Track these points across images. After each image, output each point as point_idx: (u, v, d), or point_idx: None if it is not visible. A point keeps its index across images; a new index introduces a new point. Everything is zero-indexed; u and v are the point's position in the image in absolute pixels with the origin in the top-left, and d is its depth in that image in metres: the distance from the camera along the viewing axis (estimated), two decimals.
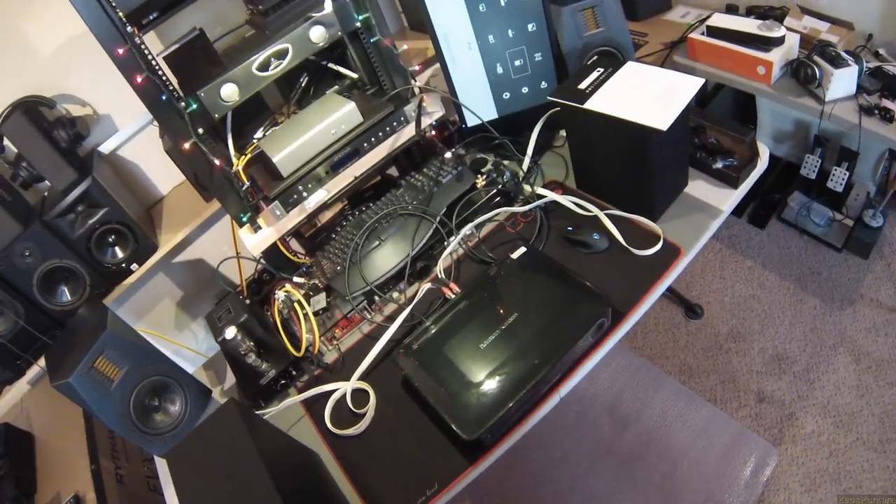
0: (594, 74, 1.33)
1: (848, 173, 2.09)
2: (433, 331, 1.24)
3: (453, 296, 1.34)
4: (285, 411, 1.37)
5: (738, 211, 2.61)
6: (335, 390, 1.33)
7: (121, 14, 1.16)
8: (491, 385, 1.10)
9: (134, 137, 1.97)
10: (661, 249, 1.30)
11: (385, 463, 1.19)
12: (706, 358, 2.24)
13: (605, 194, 1.46)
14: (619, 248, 1.34)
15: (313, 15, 1.37)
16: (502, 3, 1.48)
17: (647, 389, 2.20)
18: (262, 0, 1.37)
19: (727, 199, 1.38)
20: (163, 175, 2.09)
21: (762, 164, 1.42)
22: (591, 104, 1.25)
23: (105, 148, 1.93)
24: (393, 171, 1.78)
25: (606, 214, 1.39)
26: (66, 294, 1.72)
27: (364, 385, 1.31)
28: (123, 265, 1.79)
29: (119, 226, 1.75)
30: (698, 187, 1.42)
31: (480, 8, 1.48)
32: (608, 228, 1.37)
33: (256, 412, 1.38)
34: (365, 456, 1.22)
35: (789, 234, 2.49)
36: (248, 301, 1.57)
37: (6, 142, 1.68)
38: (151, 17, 1.31)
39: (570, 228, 1.41)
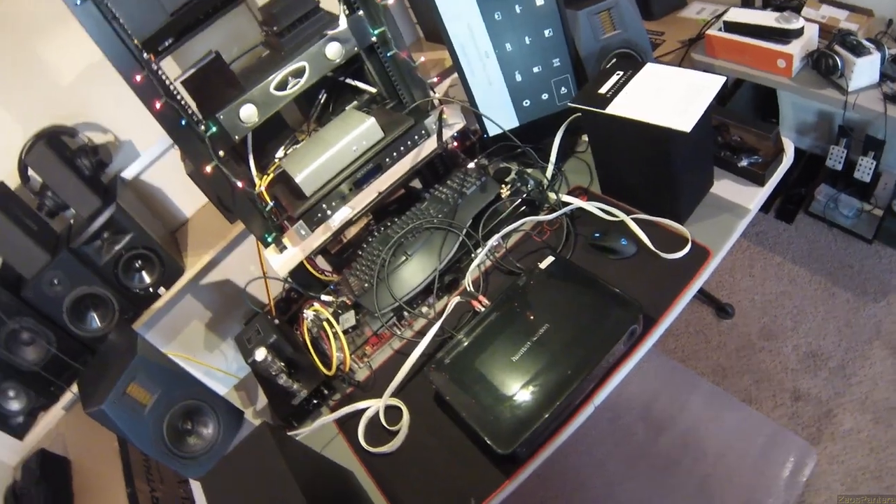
0: (614, 78, 1.31)
1: (875, 162, 2.04)
2: (464, 345, 1.23)
3: (483, 309, 1.33)
4: (319, 431, 1.37)
5: (764, 206, 2.53)
6: (368, 408, 1.33)
7: (136, 41, 1.17)
8: (524, 397, 1.09)
9: (156, 162, 1.99)
10: (690, 252, 1.28)
11: (421, 480, 1.18)
12: (739, 358, 2.21)
13: (631, 198, 1.44)
14: (648, 252, 1.32)
15: (328, 32, 1.37)
16: (518, 11, 1.46)
17: (680, 392, 2.17)
18: (277, 21, 1.38)
19: (754, 198, 1.35)
20: (186, 197, 2.10)
21: (787, 159, 1.40)
22: (613, 108, 1.24)
23: (128, 174, 1.95)
24: (416, 184, 1.77)
25: (633, 219, 1.37)
26: (95, 320, 1.73)
27: (397, 402, 1.30)
28: (151, 289, 1.80)
29: (145, 251, 1.76)
30: (724, 186, 1.40)
31: (496, 16, 1.47)
32: (635, 233, 1.35)
33: (289, 433, 1.38)
34: (401, 473, 1.21)
35: (818, 227, 2.45)
36: (276, 321, 1.57)
37: (31, 172, 1.70)
38: (167, 44, 1.32)
39: (597, 235, 1.39)
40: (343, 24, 1.37)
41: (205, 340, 2.31)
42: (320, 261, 1.68)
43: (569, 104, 1.34)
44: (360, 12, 1.40)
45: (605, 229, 1.40)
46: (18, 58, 1.72)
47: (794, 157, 1.43)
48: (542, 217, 1.49)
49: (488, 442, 1.06)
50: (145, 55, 1.18)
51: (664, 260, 1.29)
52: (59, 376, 1.71)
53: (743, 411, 2.06)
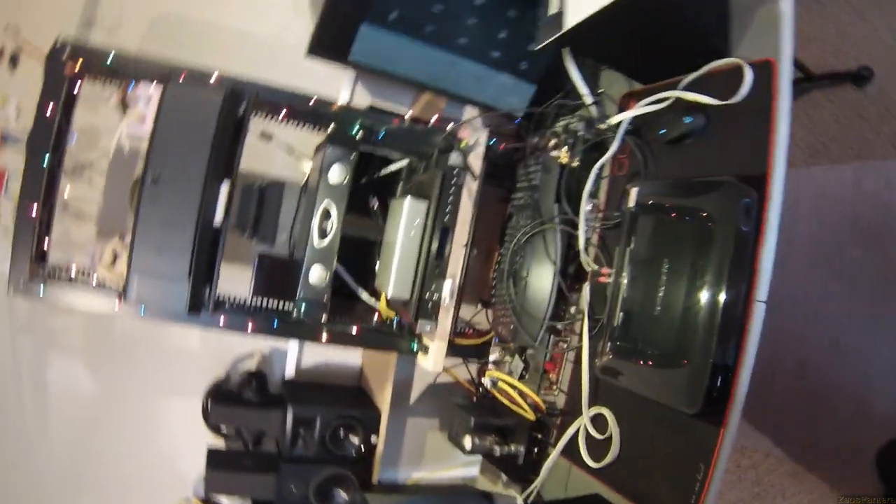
0: None
1: None
2: (613, 325, 1.17)
3: (609, 280, 1.26)
4: (554, 472, 1.38)
5: None
6: (576, 430, 1.31)
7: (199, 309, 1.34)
8: (686, 344, 1.00)
9: (303, 349, 2.12)
10: (754, 77, 1.11)
11: (650, 468, 1.14)
12: None
13: (669, 70, 1.30)
14: (717, 111, 1.16)
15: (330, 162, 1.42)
16: (437, 9, 1.43)
17: (875, 189, 1.87)
18: (243, 226, 1.52)
19: None
20: (346, 352, 2.21)
21: None
22: (571, 19, 1.16)
23: (289, 373, 2.09)
24: None
25: (682, 88, 1.23)
26: (340, 495, 1.86)
27: (596, 409, 1.26)
28: (365, 446, 1.90)
29: (340, 421, 1.87)
30: None
31: (427, 29, 1.45)
32: (693, 100, 1.20)
33: (528, 490, 1.41)
34: (632, 471, 1.18)
35: None
36: (472, 400, 1.65)
37: (220, 427, 1.92)
38: (208, 292, 1.40)
39: (662, 131, 1.27)
40: (307, 168, 1.43)
41: (445, 445, 2.38)
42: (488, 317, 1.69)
43: (536, 48, 1.28)
44: (332, 125, 1.44)
45: (666, 119, 1.27)
46: (160, 366, 1.98)
47: None
48: (608, 153, 1.39)
49: (679, 409, 1.00)
50: (211, 304, 1.34)
51: (736, 105, 1.13)
52: None
53: None
